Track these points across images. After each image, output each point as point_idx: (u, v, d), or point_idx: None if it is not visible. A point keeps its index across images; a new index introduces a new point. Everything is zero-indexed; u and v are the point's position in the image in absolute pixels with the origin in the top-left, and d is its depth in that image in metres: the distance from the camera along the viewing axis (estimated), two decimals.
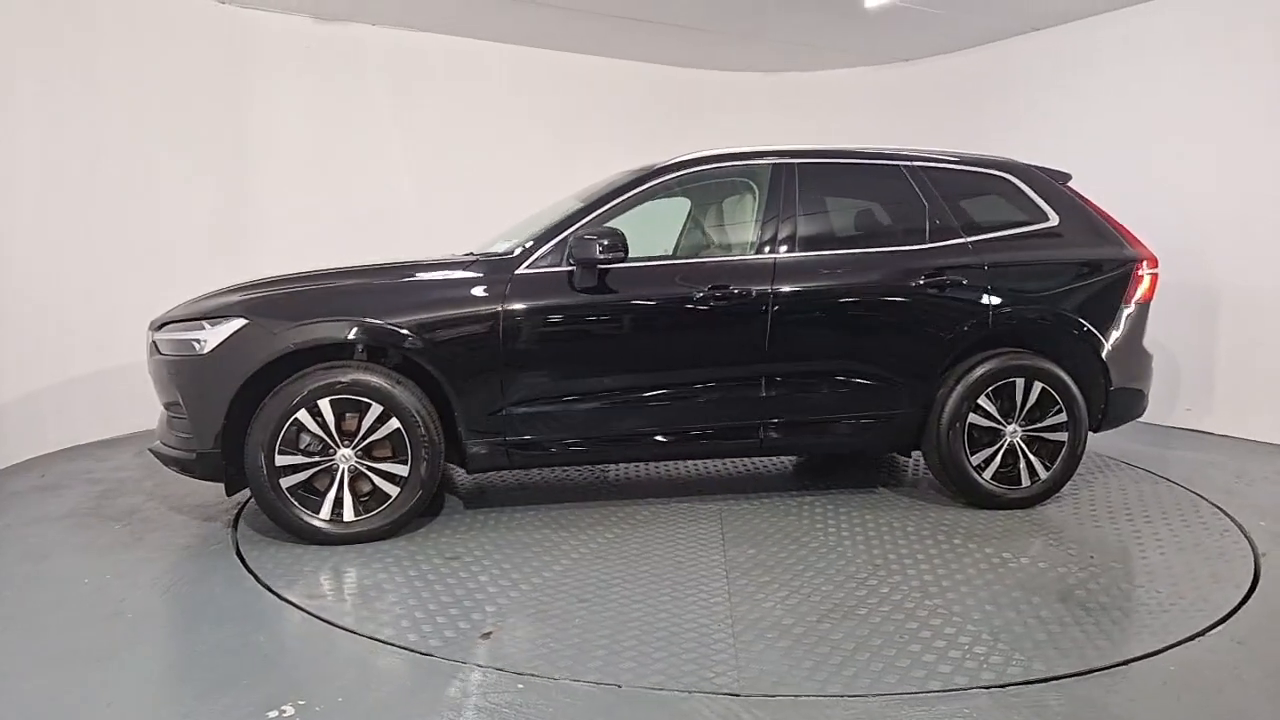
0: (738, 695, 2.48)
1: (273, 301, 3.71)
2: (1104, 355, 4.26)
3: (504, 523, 4.03)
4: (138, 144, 5.80)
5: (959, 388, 4.11)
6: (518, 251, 3.89)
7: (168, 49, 5.91)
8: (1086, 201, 4.49)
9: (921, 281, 4.09)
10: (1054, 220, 4.37)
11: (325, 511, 3.66)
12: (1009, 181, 4.40)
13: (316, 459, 3.64)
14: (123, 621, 2.99)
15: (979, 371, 4.12)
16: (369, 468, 3.69)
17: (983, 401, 4.13)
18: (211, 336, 3.61)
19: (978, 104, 7.23)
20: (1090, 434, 4.36)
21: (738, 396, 3.98)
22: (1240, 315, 5.73)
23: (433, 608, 3.07)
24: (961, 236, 4.23)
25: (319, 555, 3.57)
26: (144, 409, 5.35)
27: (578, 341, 3.85)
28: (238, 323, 3.61)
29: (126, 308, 5.45)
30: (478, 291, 3.78)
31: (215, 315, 3.67)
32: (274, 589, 3.24)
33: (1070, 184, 4.55)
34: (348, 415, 3.65)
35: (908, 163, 4.32)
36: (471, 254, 4.15)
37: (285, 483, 3.61)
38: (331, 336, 3.62)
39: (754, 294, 3.94)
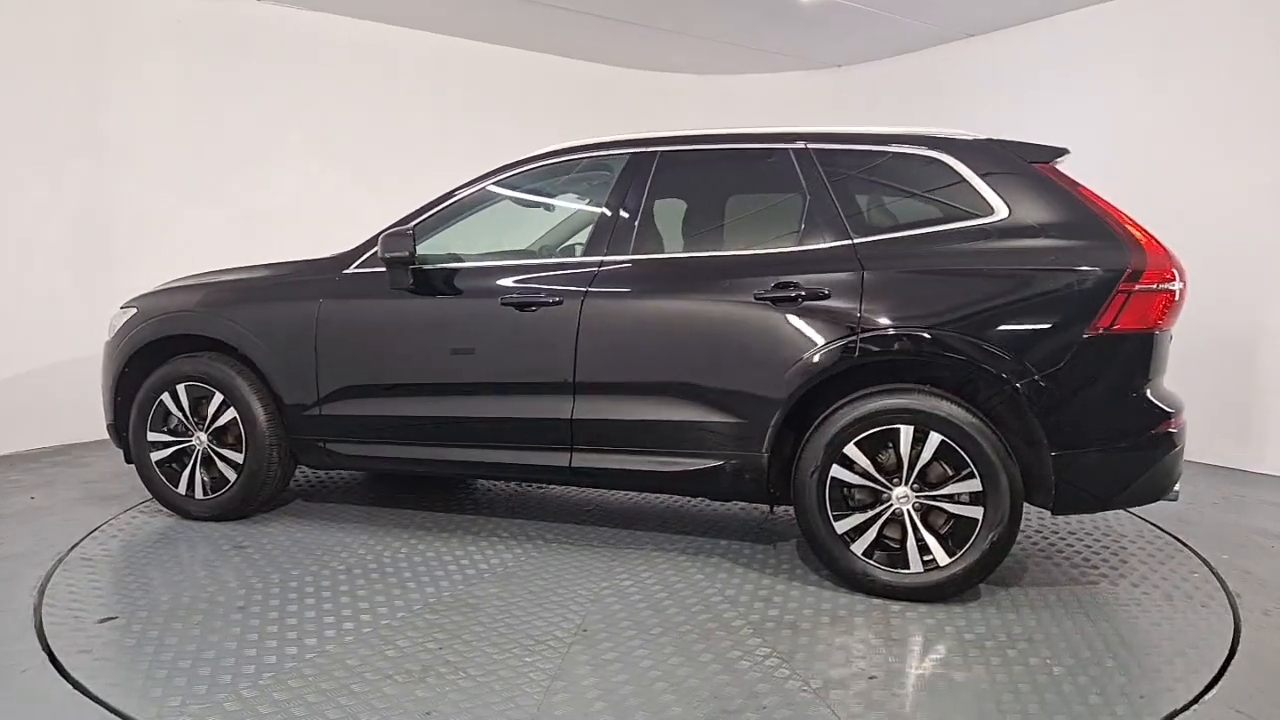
0: None
1: (153, 297, 4.15)
2: (1035, 402, 3.00)
3: (330, 518, 4.07)
4: None
5: (821, 431, 3.19)
6: (349, 251, 3.89)
7: (15, 26, 5.14)
8: (1072, 187, 3.20)
9: (761, 295, 3.25)
10: (1001, 213, 3.17)
11: (183, 487, 4.02)
12: (941, 163, 3.28)
13: (179, 439, 4.01)
14: None
15: (848, 413, 3.16)
16: (216, 452, 3.97)
17: (850, 452, 3.16)
18: (116, 323, 4.17)
19: (913, 110, 6.90)
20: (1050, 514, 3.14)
21: (543, 417, 3.52)
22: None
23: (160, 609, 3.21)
24: (848, 237, 3.27)
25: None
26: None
27: (382, 345, 3.71)
28: (130, 313, 4.12)
29: None
30: (304, 291, 3.85)
31: (127, 306, 4.22)
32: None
33: (1056, 165, 3.28)
34: (204, 401, 3.97)
35: (797, 145, 3.44)
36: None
37: (155, 456, 4.03)
38: (169, 331, 3.97)
39: (564, 303, 3.47)
